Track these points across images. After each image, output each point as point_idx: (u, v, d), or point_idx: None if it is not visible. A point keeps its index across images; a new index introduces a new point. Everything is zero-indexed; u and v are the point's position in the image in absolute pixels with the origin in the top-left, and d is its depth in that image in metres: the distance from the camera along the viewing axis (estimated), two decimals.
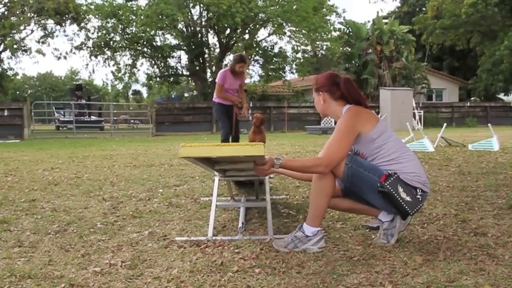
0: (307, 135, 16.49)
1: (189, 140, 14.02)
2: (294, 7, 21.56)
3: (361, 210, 2.67)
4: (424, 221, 3.00)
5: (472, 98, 30.34)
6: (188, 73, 25.41)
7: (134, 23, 22.19)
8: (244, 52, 22.27)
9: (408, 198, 2.35)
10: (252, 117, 4.15)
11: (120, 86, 27.87)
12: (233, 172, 2.99)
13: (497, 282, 1.92)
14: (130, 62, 24.33)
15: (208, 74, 23.74)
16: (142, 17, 21.09)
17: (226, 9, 19.96)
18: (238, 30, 23.16)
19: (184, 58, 25.06)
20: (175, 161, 6.93)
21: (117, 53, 23.94)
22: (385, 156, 2.43)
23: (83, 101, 24.41)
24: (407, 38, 25.71)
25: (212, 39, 24.46)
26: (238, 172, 3.00)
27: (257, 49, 24.21)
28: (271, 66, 24.75)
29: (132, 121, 27.62)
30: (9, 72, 24.57)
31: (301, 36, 23.32)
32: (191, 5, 22.38)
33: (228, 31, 23.35)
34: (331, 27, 24.71)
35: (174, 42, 24.23)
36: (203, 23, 23.29)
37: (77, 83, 35.45)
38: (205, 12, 22.62)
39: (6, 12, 21.28)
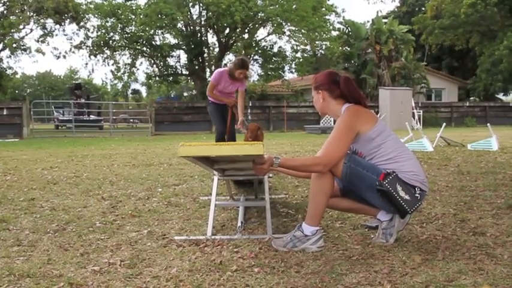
0: (306, 135, 16.49)
1: (188, 139, 14.02)
2: (294, 6, 21.56)
3: (360, 209, 2.67)
4: (423, 220, 3.00)
5: (471, 98, 30.34)
6: (187, 72, 25.41)
7: (133, 22, 22.23)
8: (243, 52, 22.30)
9: (407, 197, 2.35)
10: (247, 130, 3.84)
11: (119, 85, 27.93)
12: (232, 171, 2.99)
13: (496, 281, 1.92)
14: (129, 61, 24.40)
15: (208, 74, 23.71)
16: (141, 16, 21.13)
17: (226, 9, 19.96)
18: (238, 30, 23.15)
19: (184, 57, 25.11)
20: (174, 160, 6.93)
21: (117, 52, 23.96)
22: (383, 155, 2.43)
23: (82, 100, 24.42)
24: (407, 38, 25.70)
25: (211, 38, 24.53)
26: (237, 171, 2.99)
27: (256, 48, 24.24)
28: (271, 66, 24.80)
29: (131, 120, 27.66)
30: (9, 71, 24.55)
31: (301, 35, 23.33)
32: (190, 4, 22.38)
33: (227, 30, 23.36)
34: (331, 27, 24.76)
35: (173, 41, 24.28)
36: (202, 22, 23.29)
37: (76, 82, 35.47)
38: (205, 11, 22.63)
39: (5, 11, 21.25)
